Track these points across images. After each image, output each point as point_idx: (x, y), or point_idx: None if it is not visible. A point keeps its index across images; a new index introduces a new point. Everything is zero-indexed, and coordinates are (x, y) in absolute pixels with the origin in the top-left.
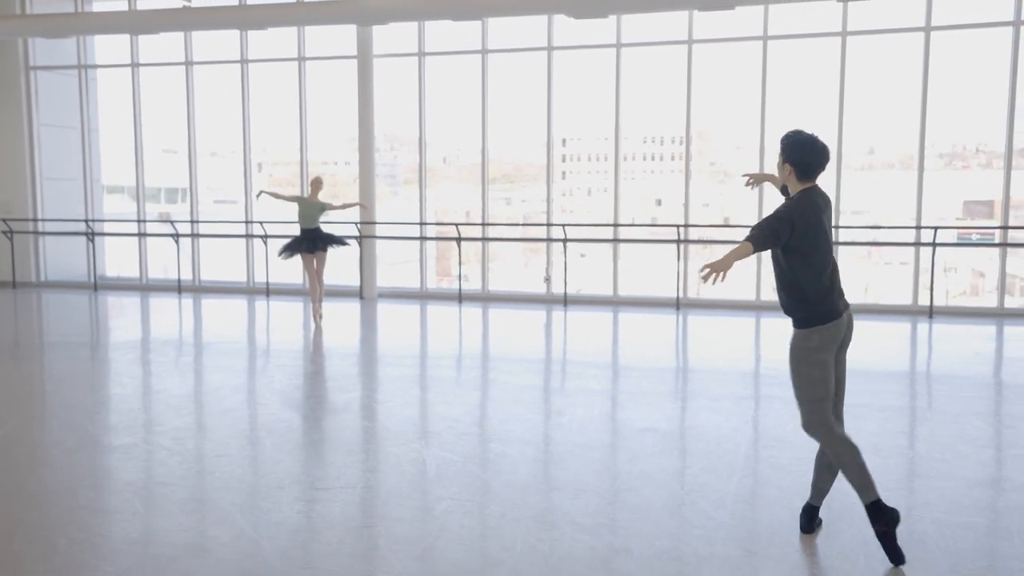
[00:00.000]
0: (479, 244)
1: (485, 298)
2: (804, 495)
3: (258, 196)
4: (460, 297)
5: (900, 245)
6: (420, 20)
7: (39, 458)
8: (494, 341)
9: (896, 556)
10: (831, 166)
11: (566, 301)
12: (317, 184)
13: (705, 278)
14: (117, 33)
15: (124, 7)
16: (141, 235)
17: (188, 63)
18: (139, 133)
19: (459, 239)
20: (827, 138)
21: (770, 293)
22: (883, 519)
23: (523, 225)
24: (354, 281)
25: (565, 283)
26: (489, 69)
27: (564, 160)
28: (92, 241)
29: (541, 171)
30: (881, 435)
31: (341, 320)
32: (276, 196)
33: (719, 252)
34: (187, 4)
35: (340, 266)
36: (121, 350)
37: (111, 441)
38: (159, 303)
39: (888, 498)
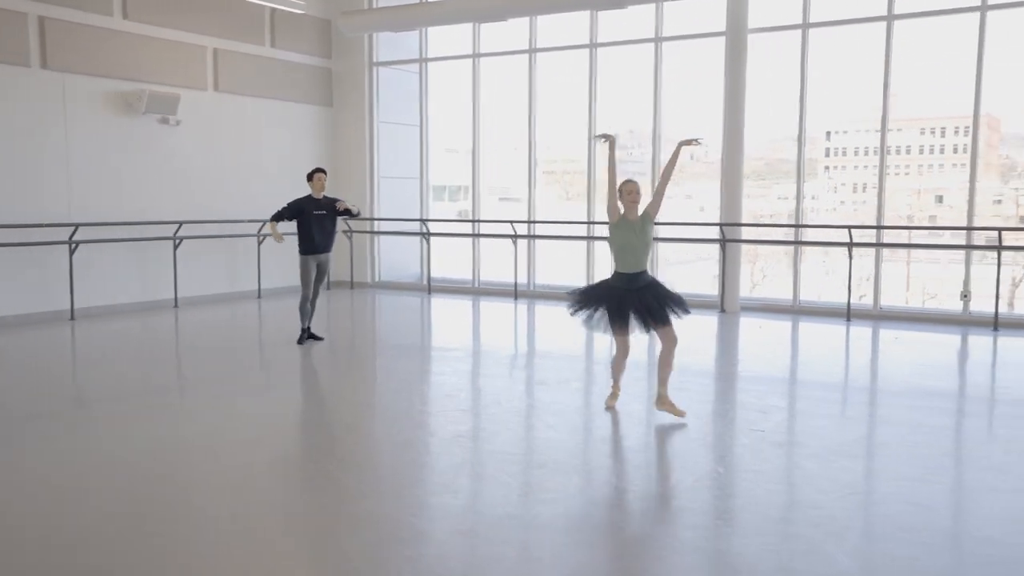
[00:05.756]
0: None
1: (878, 316)
2: None
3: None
4: (848, 314)
5: None
6: None
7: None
8: (933, 373)
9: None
10: None
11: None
12: (632, 195)
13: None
14: (462, 22)
15: None
16: (476, 236)
17: (532, 50)
18: (477, 129)
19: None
20: None
21: None
22: (306, 338)
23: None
24: (712, 291)
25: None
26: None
27: (828, 154)
28: (428, 242)
29: (795, 167)
30: None
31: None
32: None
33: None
34: None
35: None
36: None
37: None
38: (502, 308)
39: None
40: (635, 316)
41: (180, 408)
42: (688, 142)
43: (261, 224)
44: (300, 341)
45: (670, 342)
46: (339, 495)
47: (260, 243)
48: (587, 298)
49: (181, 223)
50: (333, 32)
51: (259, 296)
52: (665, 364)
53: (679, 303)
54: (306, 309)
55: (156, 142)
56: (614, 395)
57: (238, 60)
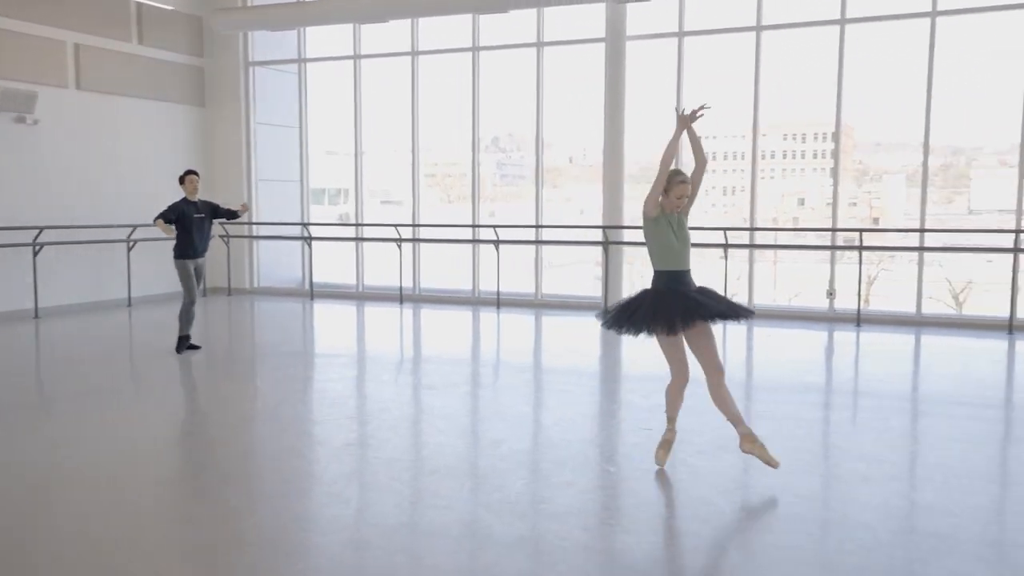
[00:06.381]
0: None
1: None
2: None
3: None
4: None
5: None
6: None
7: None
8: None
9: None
10: None
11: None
12: (681, 200)
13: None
14: (342, 23)
15: None
16: (359, 239)
17: (415, 53)
18: (359, 131)
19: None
20: None
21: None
22: (185, 347)
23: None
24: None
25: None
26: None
27: None
28: (310, 246)
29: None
30: None
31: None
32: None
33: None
34: None
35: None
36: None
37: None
38: (388, 312)
39: None
40: (687, 310)
41: (47, 427)
42: (693, 115)
43: (131, 229)
44: (179, 350)
45: (715, 372)
46: (223, 511)
47: (130, 249)
48: (631, 314)
49: (42, 228)
50: (205, 29)
51: (129, 304)
52: (724, 399)
53: (739, 307)
54: (190, 314)
55: (12, 142)
56: (667, 442)
57: (102, 56)
